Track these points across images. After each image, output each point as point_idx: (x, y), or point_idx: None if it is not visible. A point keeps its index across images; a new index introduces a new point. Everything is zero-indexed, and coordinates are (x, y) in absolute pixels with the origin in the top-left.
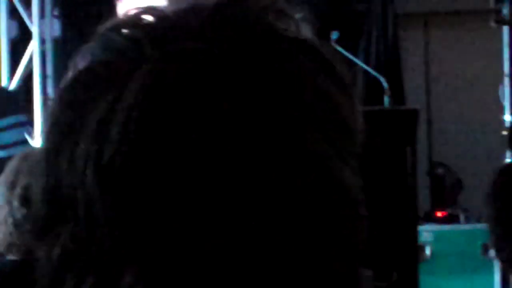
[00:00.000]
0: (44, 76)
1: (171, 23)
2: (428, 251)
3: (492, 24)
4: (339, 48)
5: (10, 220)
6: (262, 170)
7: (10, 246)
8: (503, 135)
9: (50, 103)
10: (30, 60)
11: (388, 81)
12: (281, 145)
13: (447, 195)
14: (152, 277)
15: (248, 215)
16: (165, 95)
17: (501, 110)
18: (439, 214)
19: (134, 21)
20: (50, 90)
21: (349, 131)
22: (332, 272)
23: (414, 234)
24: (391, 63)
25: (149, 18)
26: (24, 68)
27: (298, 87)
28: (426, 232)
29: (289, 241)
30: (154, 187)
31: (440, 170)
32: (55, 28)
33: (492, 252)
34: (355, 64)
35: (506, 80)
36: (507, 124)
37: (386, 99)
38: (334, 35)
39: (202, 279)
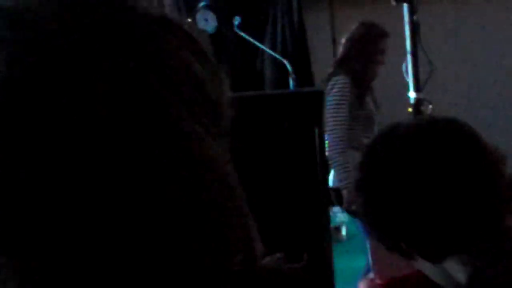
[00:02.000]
0: None
1: (32, 6)
2: (344, 231)
3: (392, 2)
4: (243, 34)
5: None
6: (123, 149)
7: None
8: (409, 112)
9: None
10: None
11: (296, 64)
12: (145, 121)
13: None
14: (27, 269)
15: (108, 197)
16: (22, 80)
17: (406, 87)
18: None
19: None
20: None
21: (215, 107)
22: (194, 256)
23: (327, 215)
24: (298, 46)
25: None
26: None
27: (161, 64)
28: (341, 213)
29: (151, 221)
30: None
31: None
32: None
33: None
34: (262, 50)
35: (408, 58)
36: (412, 101)
37: (291, 82)
38: (236, 20)
39: (77, 269)
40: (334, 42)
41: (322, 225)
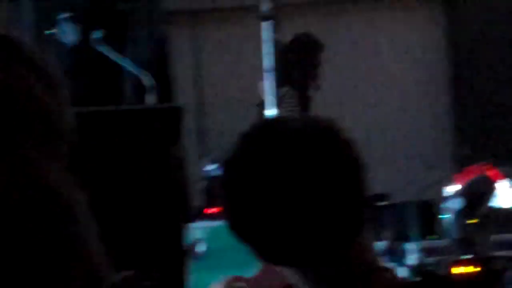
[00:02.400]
0: None
1: None
2: (202, 247)
3: (254, 19)
4: (103, 48)
5: None
6: None
7: None
8: None
9: None
10: None
11: (156, 80)
12: None
13: (219, 192)
14: None
15: None
16: None
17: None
18: (211, 211)
19: None
20: None
21: (57, 131)
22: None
23: (182, 232)
24: (159, 62)
25: None
26: None
27: (6, 92)
28: (199, 229)
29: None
30: None
31: (212, 167)
32: None
33: None
34: (122, 65)
35: (266, 75)
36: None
37: (150, 98)
38: (96, 34)
39: None
40: (196, 57)
41: (175, 242)
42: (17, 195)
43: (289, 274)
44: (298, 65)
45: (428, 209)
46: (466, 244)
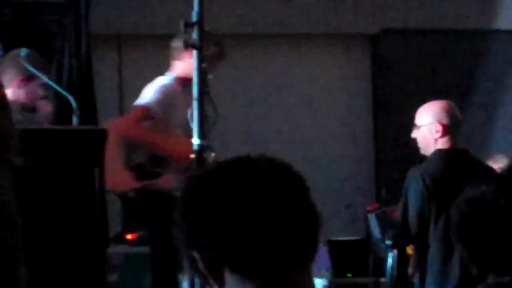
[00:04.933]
0: None
1: None
2: (116, 274)
3: (183, 48)
4: (29, 67)
5: None
6: None
7: None
8: (192, 158)
9: None
10: None
11: (80, 102)
12: None
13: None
14: None
15: None
16: None
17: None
18: (129, 236)
19: None
20: None
21: (2, 139)
22: None
23: (102, 257)
24: (84, 84)
25: None
26: None
27: None
28: (116, 253)
29: None
30: None
31: (131, 193)
32: None
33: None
34: (47, 84)
35: (195, 104)
36: (195, 148)
37: (75, 119)
38: (23, 52)
39: None
40: (121, 81)
41: (98, 268)
42: None
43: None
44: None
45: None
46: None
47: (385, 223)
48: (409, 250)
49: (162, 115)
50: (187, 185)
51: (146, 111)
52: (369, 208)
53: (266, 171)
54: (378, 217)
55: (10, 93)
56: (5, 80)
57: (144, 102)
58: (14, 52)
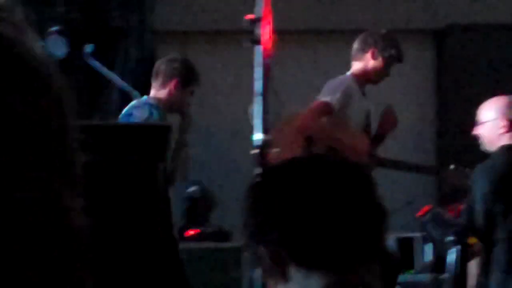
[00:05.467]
0: None
1: None
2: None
3: (246, 44)
4: (94, 62)
5: None
6: None
7: None
8: (253, 154)
9: None
10: None
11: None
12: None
13: (200, 213)
14: None
15: None
16: None
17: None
18: (191, 232)
19: None
20: None
21: (71, 165)
22: None
23: (169, 253)
24: (148, 79)
25: None
26: None
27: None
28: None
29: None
30: None
31: (193, 188)
32: None
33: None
34: (112, 79)
35: (258, 99)
36: (257, 143)
37: (138, 114)
38: (88, 48)
39: None
40: None
41: (167, 259)
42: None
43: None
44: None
45: (408, 243)
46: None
47: (441, 222)
48: (474, 244)
49: (341, 111)
50: (255, 181)
51: (326, 106)
52: (420, 213)
53: (335, 169)
54: (434, 217)
55: (164, 93)
56: (159, 79)
57: (324, 98)
58: (172, 55)
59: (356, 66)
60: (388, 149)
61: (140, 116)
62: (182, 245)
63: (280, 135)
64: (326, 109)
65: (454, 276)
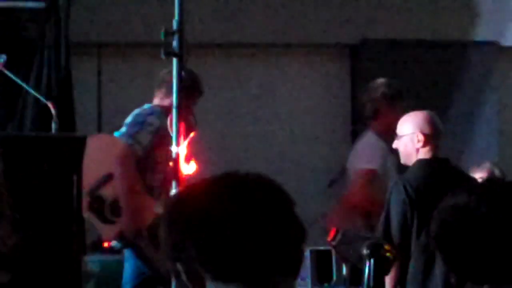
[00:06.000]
0: None
1: None
2: (92, 280)
3: (162, 56)
4: (8, 73)
5: None
6: None
7: None
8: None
9: None
10: None
11: (59, 109)
12: None
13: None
14: None
15: None
16: None
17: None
18: (105, 244)
19: None
20: None
21: None
22: None
23: (79, 264)
24: (62, 91)
25: None
26: None
27: None
28: (92, 261)
29: None
30: None
31: None
32: None
33: None
34: (26, 90)
35: (174, 112)
36: (173, 155)
37: (53, 126)
38: (1, 58)
39: None
40: (99, 90)
41: (75, 274)
42: None
43: None
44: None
45: (327, 256)
46: None
47: (353, 239)
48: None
49: (382, 174)
50: (173, 201)
51: (372, 174)
52: (329, 239)
53: (249, 186)
54: (343, 238)
55: (168, 102)
56: (163, 89)
57: (365, 165)
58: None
59: (377, 123)
60: (302, 155)
61: (154, 122)
62: (96, 257)
63: (339, 215)
64: (372, 177)
65: None
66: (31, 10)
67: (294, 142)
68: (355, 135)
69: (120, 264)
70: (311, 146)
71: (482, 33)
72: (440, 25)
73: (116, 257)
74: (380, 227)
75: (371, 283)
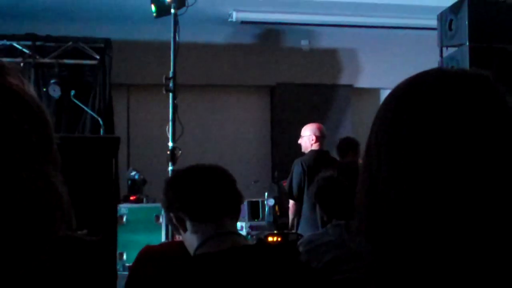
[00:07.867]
0: None
1: None
2: (124, 219)
3: (164, 92)
4: (76, 101)
5: None
6: None
7: None
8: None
9: None
10: None
11: (104, 123)
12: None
13: (135, 188)
14: None
15: None
16: None
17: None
18: (132, 197)
19: None
20: None
21: (55, 152)
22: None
23: (114, 209)
24: (107, 116)
25: None
26: None
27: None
28: (124, 208)
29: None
30: None
31: (133, 173)
32: None
33: (161, 218)
34: (87, 112)
35: (170, 123)
36: (169, 148)
37: (102, 133)
38: (72, 92)
39: None
40: (128, 116)
41: (111, 215)
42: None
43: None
44: None
45: (256, 204)
46: (274, 224)
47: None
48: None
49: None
50: (171, 176)
51: None
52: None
53: (213, 168)
54: (273, 187)
55: None
56: None
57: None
58: None
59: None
60: (235, 168)
61: None
62: (126, 205)
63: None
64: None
65: (268, 222)
66: (89, 65)
67: (234, 151)
68: (273, 147)
69: (139, 209)
70: (241, 155)
71: (343, 78)
72: (329, 71)
73: (138, 205)
74: (287, 185)
75: (270, 218)
